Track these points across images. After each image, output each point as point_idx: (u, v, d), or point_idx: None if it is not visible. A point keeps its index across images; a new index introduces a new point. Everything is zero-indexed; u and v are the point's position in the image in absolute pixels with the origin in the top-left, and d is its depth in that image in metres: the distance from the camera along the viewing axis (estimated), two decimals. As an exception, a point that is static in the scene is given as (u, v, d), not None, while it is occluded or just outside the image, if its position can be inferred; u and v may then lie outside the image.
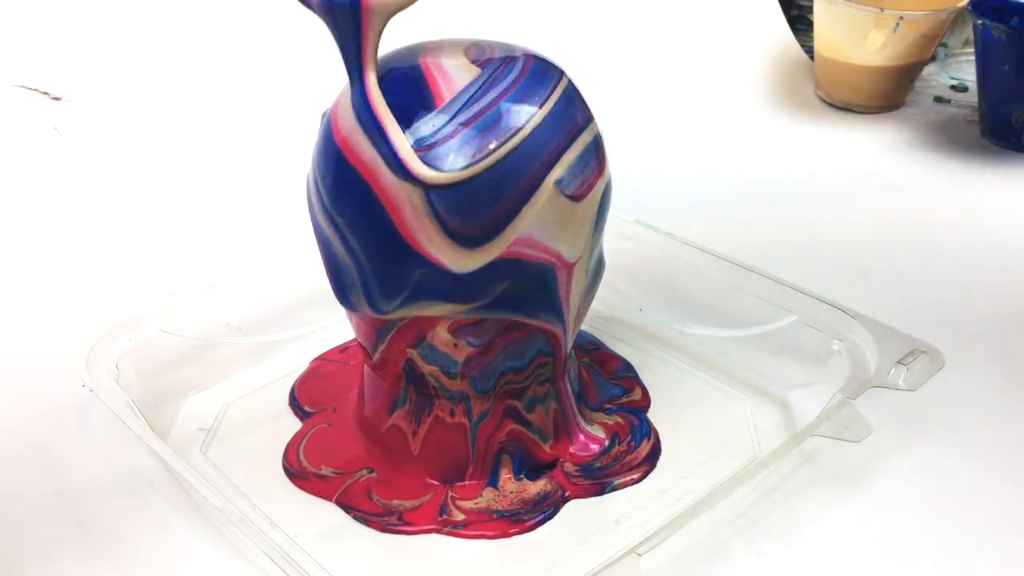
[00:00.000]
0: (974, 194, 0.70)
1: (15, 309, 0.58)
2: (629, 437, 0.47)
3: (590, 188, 0.42)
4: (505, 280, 0.40)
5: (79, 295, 0.59)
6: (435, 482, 0.44)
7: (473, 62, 0.41)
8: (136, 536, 0.42)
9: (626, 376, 0.51)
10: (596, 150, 0.43)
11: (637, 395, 0.49)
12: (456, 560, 0.41)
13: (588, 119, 0.43)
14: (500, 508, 0.43)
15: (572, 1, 0.90)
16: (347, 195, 0.41)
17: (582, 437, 0.46)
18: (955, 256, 0.62)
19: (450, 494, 0.43)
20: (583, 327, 0.53)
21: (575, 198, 0.41)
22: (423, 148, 0.39)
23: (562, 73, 0.43)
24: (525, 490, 0.44)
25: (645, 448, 0.46)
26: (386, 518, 0.42)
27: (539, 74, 0.41)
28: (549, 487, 0.44)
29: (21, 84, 0.76)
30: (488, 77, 0.40)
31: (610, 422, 0.48)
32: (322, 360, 0.52)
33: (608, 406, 0.49)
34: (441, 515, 0.42)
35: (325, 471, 0.45)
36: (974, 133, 0.78)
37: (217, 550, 0.41)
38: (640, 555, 0.35)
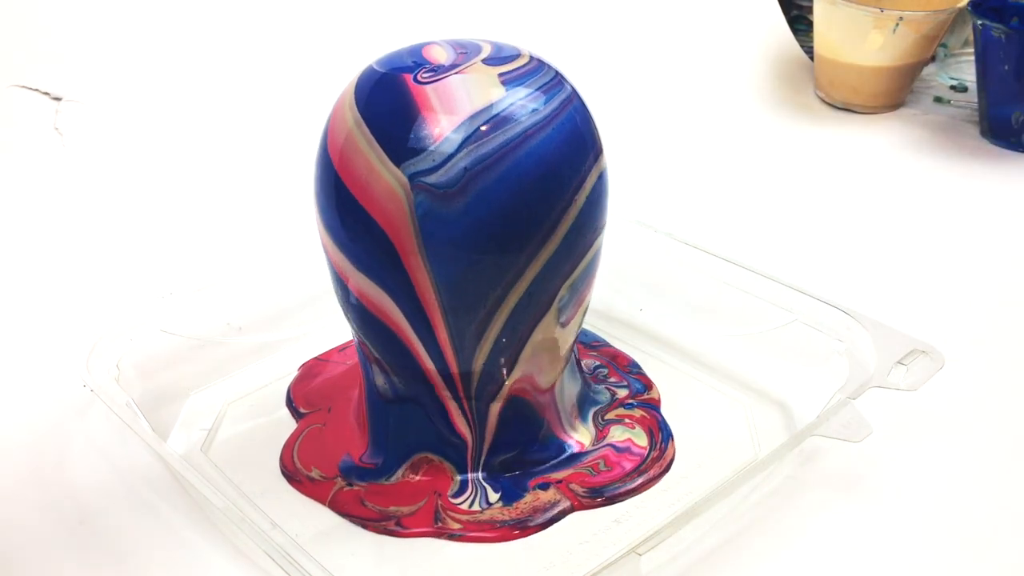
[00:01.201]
0: (974, 194, 0.70)
1: (16, 309, 0.58)
2: (660, 438, 0.46)
3: (575, 313, 0.43)
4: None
5: (79, 295, 0.59)
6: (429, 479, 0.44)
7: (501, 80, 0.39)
8: (136, 536, 0.42)
9: (639, 372, 0.51)
10: (595, 265, 0.43)
11: (655, 393, 0.49)
12: (457, 560, 0.41)
13: (604, 224, 0.42)
14: (505, 519, 0.42)
15: (572, 1, 0.90)
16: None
17: (600, 454, 0.45)
18: (955, 256, 0.62)
19: (440, 504, 0.43)
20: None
21: (563, 324, 0.42)
22: (420, 183, 0.37)
23: (599, 152, 0.41)
24: (538, 499, 0.43)
25: (670, 452, 0.45)
26: (383, 523, 0.42)
27: (575, 145, 0.39)
28: (558, 497, 0.43)
29: (21, 84, 0.76)
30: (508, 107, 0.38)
31: (636, 415, 0.47)
32: (316, 360, 0.52)
33: (629, 401, 0.48)
34: (436, 523, 0.42)
35: (315, 474, 0.45)
36: (974, 133, 0.78)
37: (217, 550, 0.41)
38: (640, 555, 0.35)
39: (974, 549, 0.41)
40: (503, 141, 0.38)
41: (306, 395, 0.50)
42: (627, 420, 0.47)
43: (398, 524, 0.42)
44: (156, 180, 0.72)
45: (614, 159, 0.43)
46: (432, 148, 0.37)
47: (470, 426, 0.43)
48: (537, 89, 0.39)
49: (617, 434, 0.46)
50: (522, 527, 0.42)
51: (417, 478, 0.44)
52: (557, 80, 0.40)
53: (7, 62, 0.76)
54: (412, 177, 0.37)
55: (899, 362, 0.44)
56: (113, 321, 0.48)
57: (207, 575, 0.40)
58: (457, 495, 0.43)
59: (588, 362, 0.51)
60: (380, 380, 0.44)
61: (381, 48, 0.42)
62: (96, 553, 0.41)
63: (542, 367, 0.43)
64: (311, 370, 0.51)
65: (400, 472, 0.44)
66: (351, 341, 0.52)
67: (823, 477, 0.44)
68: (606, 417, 0.47)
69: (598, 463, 0.45)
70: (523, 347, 0.41)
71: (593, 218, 0.41)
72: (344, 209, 0.39)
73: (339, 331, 0.52)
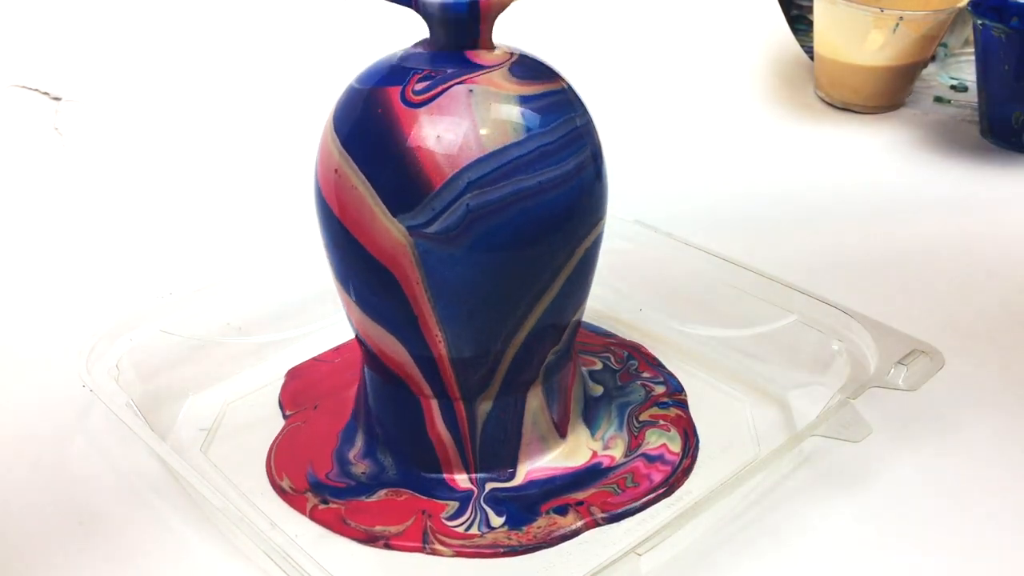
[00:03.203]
0: (974, 194, 0.70)
1: (15, 309, 0.58)
2: (694, 443, 0.45)
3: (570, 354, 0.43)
4: None
5: (79, 295, 0.59)
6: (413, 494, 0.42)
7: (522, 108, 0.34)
8: (136, 536, 0.42)
9: (665, 366, 0.50)
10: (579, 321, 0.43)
11: (684, 394, 0.49)
12: (456, 560, 0.41)
13: (591, 285, 0.42)
14: (513, 543, 0.40)
15: (573, 1, 0.90)
16: None
17: (630, 467, 0.43)
18: (955, 256, 0.61)
19: (429, 525, 0.41)
20: (589, 320, 0.53)
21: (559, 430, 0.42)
22: (419, 232, 0.35)
23: (604, 212, 0.39)
24: (554, 523, 0.41)
25: (695, 462, 0.44)
26: (372, 543, 0.40)
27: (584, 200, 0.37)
28: (577, 521, 0.41)
29: (21, 84, 0.76)
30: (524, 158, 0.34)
31: (671, 414, 0.46)
32: (314, 361, 0.52)
33: (665, 399, 0.47)
34: (425, 545, 0.40)
35: (286, 484, 0.43)
36: (974, 133, 0.78)
37: (217, 550, 0.41)
38: (640, 555, 0.35)
39: (974, 549, 0.41)
40: (514, 190, 0.35)
41: (293, 396, 0.49)
42: (662, 422, 0.46)
43: (387, 546, 0.40)
44: (156, 180, 0.72)
45: (614, 159, 0.43)
46: (430, 196, 0.34)
47: (464, 459, 0.43)
48: (565, 135, 0.35)
49: (652, 440, 0.45)
50: (534, 551, 0.40)
51: (401, 498, 0.42)
52: (587, 128, 0.37)
53: (7, 62, 0.76)
54: (411, 228, 0.35)
55: (899, 362, 0.44)
56: (113, 321, 0.48)
57: (207, 575, 0.40)
58: (453, 517, 0.41)
59: (616, 351, 0.50)
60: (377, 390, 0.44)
61: (390, 40, 0.41)
62: (96, 553, 0.41)
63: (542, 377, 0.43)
64: (300, 372, 0.51)
65: (382, 492, 0.42)
66: (346, 343, 0.52)
67: (823, 477, 0.44)
68: (641, 418, 0.46)
69: (624, 479, 0.43)
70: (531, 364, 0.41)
71: (584, 275, 0.40)
72: (346, 249, 0.38)
73: (339, 331, 0.52)
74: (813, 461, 0.45)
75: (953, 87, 0.87)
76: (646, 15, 0.91)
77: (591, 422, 0.46)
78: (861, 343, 0.46)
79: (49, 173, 0.72)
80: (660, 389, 0.48)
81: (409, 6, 0.35)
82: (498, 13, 0.35)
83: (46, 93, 0.76)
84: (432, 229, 0.35)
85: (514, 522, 0.41)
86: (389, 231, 0.35)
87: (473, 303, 0.37)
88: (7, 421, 0.48)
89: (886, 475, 0.44)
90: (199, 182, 0.72)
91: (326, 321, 0.53)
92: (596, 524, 0.41)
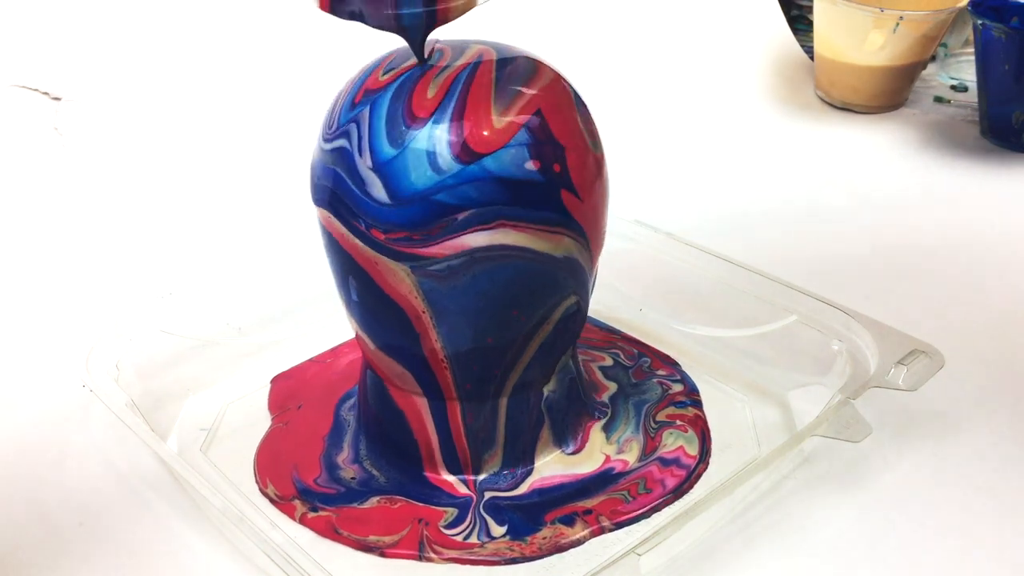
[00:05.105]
0: (974, 194, 0.70)
1: (15, 310, 0.58)
2: (711, 446, 0.44)
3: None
4: None
5: (79, 295, 0.59)
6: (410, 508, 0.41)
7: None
8: (136, 536, 0.42)
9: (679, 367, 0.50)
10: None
11: (700, 394, 0.48)
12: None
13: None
14: (516, 555, 0.39)
15: (573, 1, 0.90)
16: None
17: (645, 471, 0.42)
18: (955, 256, 0.61)
19: (426, 534, 0.40)
20: (596, 317, 0.53)
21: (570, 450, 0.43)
22: (422, 271, 0.35)
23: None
24: (560, 534, 0.40)
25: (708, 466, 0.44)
26: (366, 553, 0.39)
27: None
28: (584, 533, 0.40)
29: (21, 84, 0.76)
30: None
31: (689, 414, 0.46)
32: (311, 362, 0.51)
33: (682, 399, 0.47)
34: (421, 554, 0.39)
35: (271, 491, 0.43)
36: (974, 133, 0.78)
37: (217, 550, 0.41)
38: (640, 555, 0.35)
39: (974, 549, 0.41)
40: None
41: (277, 397, 0.49)
42: (679, 422, 0.45)
43: (382, 556, 0.39)
44: (156, 180, 0.72)
45: (614, 158, 0.43)
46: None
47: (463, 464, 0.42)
48: None
49: (669, 442, 0.44)
50: (536, 559, 0.39)
51: (396, 505, 0.41)
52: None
53: (7, 62, 0.76)
54: (413, 267, 0.35)
55: (899, 362, 0.44)
56: (113, 321, 0.48)
57: (206, 575, 0.40)
58: (452, 525, 0.40)
59: (624, 347, 0.50)
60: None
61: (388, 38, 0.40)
62: (96, 553, 0.41)
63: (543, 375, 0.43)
64: (286, 374, 0.51)
65: (375, 499, 0.42)
66: (343, 343, 0.52)
67: (823, 477, 0.44)
68: (658, 419, 0.45)
69: (637, 484, 0.42)
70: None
71: (571, 327, 0.40)
72: (348, 274, 0.38)
73: (339, 331, 0.52)
74: (813, 461, 0.45)
75: (953, 87, 0.87)
76: (647, 15, 0.91)
77: (607, 425, 0.45)
78: (861, 343, 0.46)
79: (49, 173, 0.72)
80: (678, 388, 0.48)
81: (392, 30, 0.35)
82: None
83: (46, 93, 0.76)
84: (435, 268, 0.35)
85: (517, 532, 0.40)
86: (392, 268, 0.36)
87: (476, 329, 0.37)
88: (7, 421, 0.48)
89: (886, 475, 0.44)
90: (199, 182, 0.72)
91: (327, 321, 0.53)
92: (603, 533, 0.40)
